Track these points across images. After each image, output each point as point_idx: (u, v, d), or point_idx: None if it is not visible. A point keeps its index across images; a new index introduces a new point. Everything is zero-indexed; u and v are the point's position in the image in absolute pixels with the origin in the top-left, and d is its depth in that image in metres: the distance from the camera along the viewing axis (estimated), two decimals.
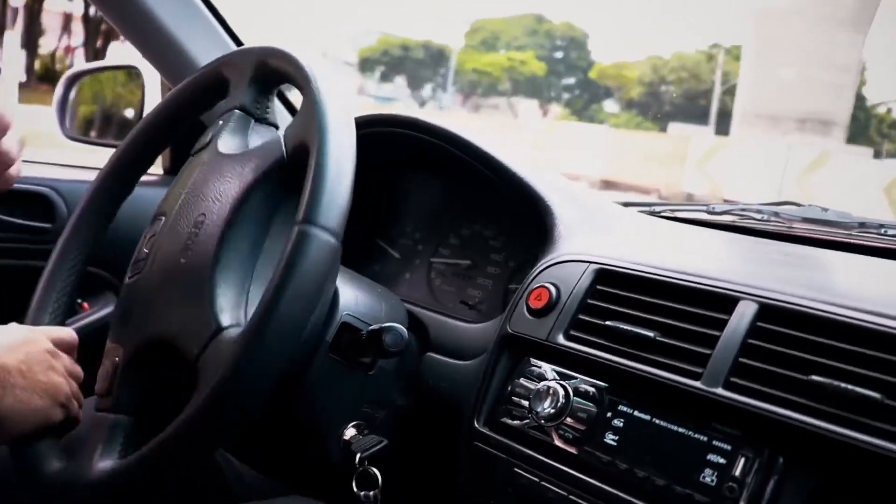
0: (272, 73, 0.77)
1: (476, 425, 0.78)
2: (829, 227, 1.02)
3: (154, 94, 1.18)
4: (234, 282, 0.70)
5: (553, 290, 0.78)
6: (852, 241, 0.95)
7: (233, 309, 0.68)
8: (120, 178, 0.89)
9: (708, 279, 0.71)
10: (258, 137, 0.77)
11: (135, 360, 0.73)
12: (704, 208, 1.16)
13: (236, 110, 0.78)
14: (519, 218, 0.99)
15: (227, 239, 0.70)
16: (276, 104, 1.17)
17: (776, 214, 1.07)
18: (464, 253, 1.08)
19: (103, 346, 0.77)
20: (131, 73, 1.25)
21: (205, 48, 1.07)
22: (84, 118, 1.41)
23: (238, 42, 1.12)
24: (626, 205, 1.18)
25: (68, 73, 1.31)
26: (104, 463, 0.68)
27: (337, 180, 0.63)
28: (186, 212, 0.75)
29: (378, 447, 0.80)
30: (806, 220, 1.04)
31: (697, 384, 0.64)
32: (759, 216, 1.08)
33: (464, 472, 0.79)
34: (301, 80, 0.70)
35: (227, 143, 0.77)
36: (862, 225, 1.01)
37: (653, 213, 1.15)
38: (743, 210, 1.11)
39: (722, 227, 1.08)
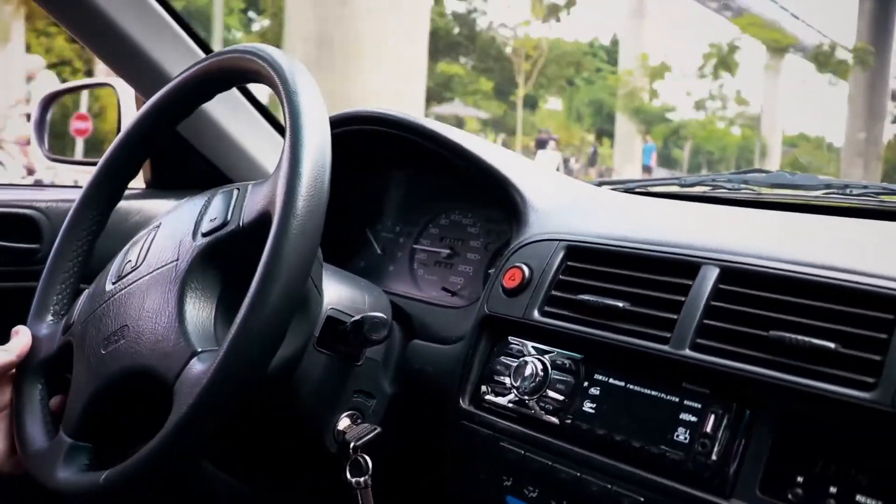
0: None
1: (461, 404, 0.81)
2: (795, 191, 1.05)
3: (129, 109, 1.19)
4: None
5: (526, 269, 0.81)
6: (818, 202, 0.98)
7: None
8: (106, 187, 0.88)
9: (671, 248, 0.73)
10: None
11: (105, 391, 0.73)
12: (677, 181, 1.18)
13: None
14: (493, 203, 1.02)
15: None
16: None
17: (745, 182, 1.10)
18: (443, 242, 1.10)
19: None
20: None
21: (174, 59, 1.08)
22: None
23: (206, 49, 1.13)
24: (600, 184, 1.21)
25: (45, 94, 1.32)
26: (65, 474, 0.69)
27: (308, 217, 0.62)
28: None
29: (371, 435, 0.83)
30: (773, 185, 1.07)
31: (666, 348, 0.67)
32: (728, 185, 1.10)
33: (451, 451, 0.82)
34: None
35: None
36: (828, 186, 1.03)
37: (626, 190, 1.17)
38: (713, 181, 1.13)
39: (694, 198, 1.10)
